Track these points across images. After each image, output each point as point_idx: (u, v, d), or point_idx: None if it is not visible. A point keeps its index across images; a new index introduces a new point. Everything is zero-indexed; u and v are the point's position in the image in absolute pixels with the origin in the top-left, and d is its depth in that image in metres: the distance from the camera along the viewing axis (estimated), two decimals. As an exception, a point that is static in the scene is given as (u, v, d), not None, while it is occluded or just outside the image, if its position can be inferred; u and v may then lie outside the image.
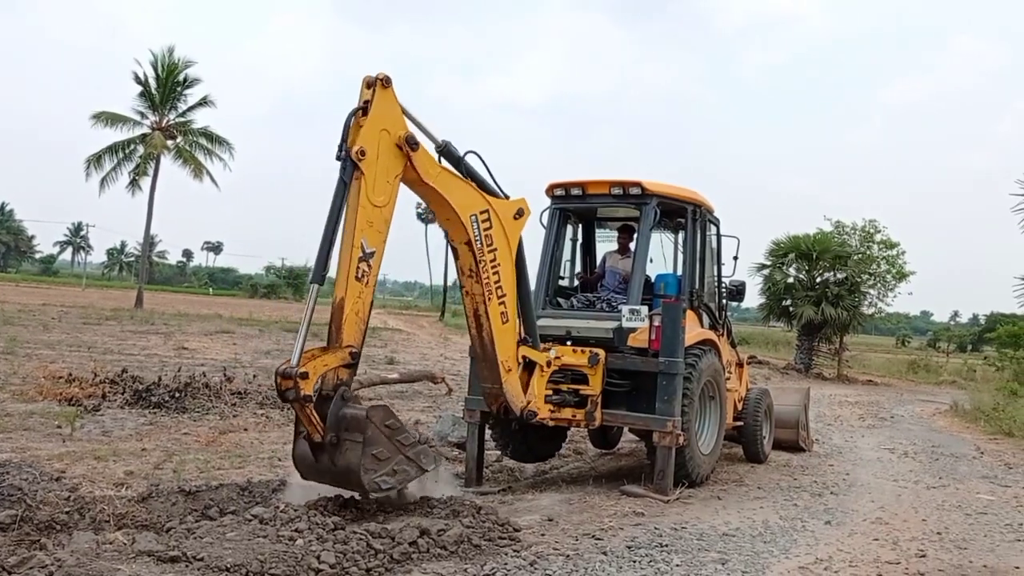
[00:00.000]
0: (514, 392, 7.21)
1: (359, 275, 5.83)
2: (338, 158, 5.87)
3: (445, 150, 6.52)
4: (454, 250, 6.86)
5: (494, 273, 6.85)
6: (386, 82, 6.02)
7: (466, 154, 6.67)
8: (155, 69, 41.94)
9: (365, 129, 5.90)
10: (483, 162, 6.78)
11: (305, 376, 5.52)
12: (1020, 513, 7.99)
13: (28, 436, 8.54)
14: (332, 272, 5.87)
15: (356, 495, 5.99)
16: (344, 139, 5.89)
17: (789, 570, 5.59)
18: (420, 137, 6.22)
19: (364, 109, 5.95)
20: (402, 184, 6.21)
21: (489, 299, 6.85)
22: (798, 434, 11.42)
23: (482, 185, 6.77)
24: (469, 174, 6.69)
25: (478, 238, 6.70)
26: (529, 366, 7.37)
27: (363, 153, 5.83)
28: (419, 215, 61.93)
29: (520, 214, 7.05)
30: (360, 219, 5.82)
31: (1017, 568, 5.95)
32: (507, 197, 6.97)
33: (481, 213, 6.70)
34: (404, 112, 6.16)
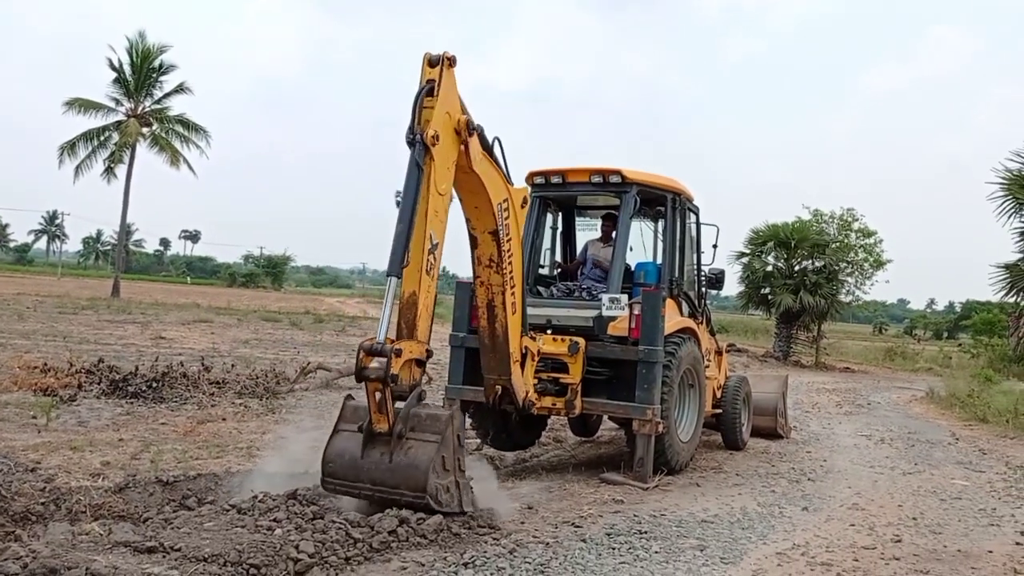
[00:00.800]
0: (519, 383, 7.21)
1: (428, 268, 5.65)
2: (409, 143, 5.62)
3: (481, 134, 6.32)
4: (474, 240, 6.70)
5: (509, 263, 6.79)
6: (452, 62, 5.85)
7: (494, 141, 6.55)
8: (129, 55, 41.54)
9: (436, 111, 5.69)
10: (502, 149, 6.66)
11: (399, 354, 5.35)
12: (994, 498, 8.10)
13: (3, 427, 8.43)
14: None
15: (401, 503, 5.44)
16: (414, 121, 5.66)
17: (767, 555, 5.63)
18: None
19: (430, 90, 5.74)
20: None
21: (506, 290, 6.78)
22: (776, 421, 11.50)
23: (502, 173, 6.70)
24: (495, 160, 6.59)
25: (502, 227, 6.61)
26: (522, 355, 7.35)
27: (437, 138, 5.66)
28: (399, 204, 61.85)
29: (525, 202, 7.04)
30: (430, 209, 5.63)
31: (990, 552, 6.03)
32: (514, 184, 6.93)
33: (504, 202, 6.65)
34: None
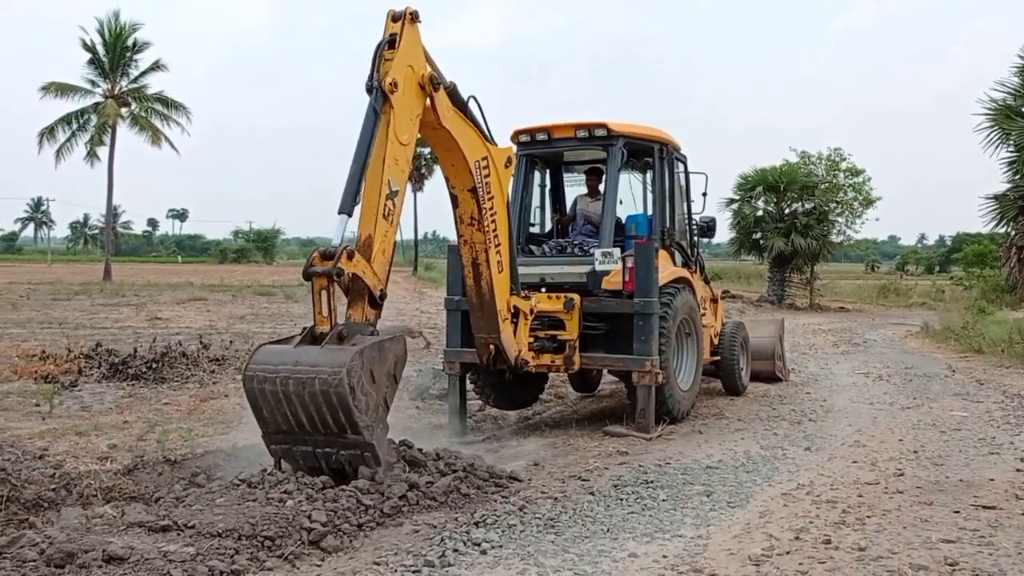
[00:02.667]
0: (509, 341, 7.25)
1: (386, 213, 5.63)
2: (368, 89, 5.68)
3: (452, 92, 6.33)
4: (454, 198, 6.77)
5: (492, 222, 6.81)
6: (415, 17, 5.92)
7: (469, 99, 6.55)
8: (102, 35, 40.93)
9: (395, 62, 5.74)
10: (480, 108, 6.68)
11: (351, 256, 5.29)
12: (992, 427, 8.21)
13: (6, 416, 8.46)
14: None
15: (314, 386, 5.05)
16: (373, 70, 5.71)
17: (772, 497, 5.71)
18: None
19: (392, 42, 5.79)
20: None
21: (489, 247, 6.82)
22: (774, 364, 11.60)
23: (480, 131, 6.68)
24: (471, 118, 6.59)
25: (480, 184, 6.63)
26: (513, 314, 7.38)
27: (395, 85, 5.68)
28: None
29: (509, 162, 7.04)
30: (388, 155, 5.64)
31: (991, 480, 6.13)
32: (495, 142, 6.91)
33: (482, 160, 6.66)
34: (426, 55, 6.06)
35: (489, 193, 6.75)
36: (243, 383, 5.45)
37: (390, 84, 5.65)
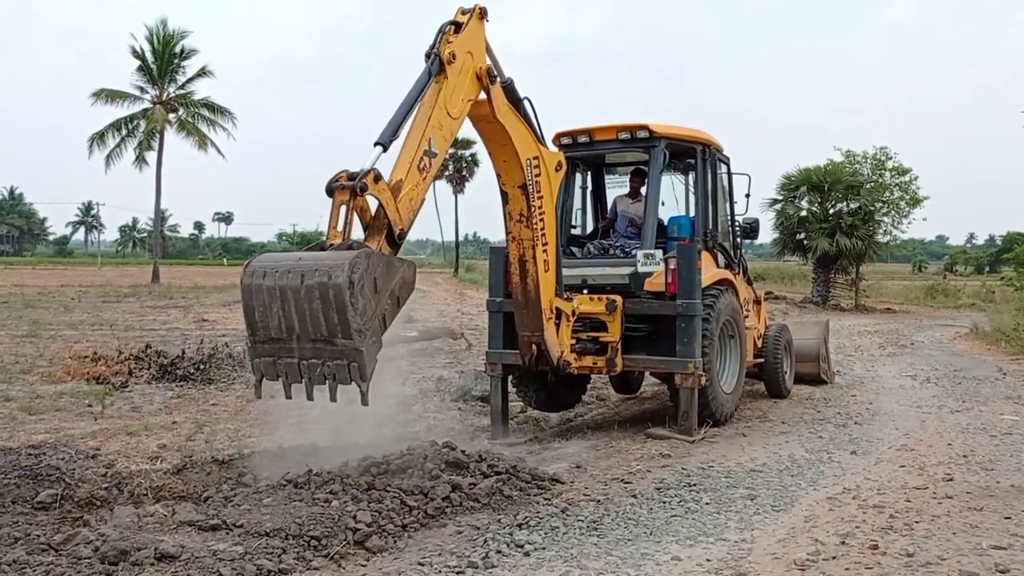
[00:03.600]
0: (553, 341, 7.28)
1: (421, 166, 5.65)
2: (427, 56, 5.87)
3: (509, 88, 6.49)
4: (504, 195, 6.87)
5: (540, 220, 6.90)
6: (483, 13, 6.18)
7: (524, 99, 6.68)
8: (151, 43, 41.76)
9: (456, 43, 5.95)
10: (534, 110, 6.80)
11: (377, 178, 5.23)
12: (1045, 431, 8.02)
13: (61, 416, 8.68)
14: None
15: (313, 288, 4.85)
16: (435, 42, 5.90)
17: (818, 501, 5.66)
18: None
19: (457, 27, 6.01)
20: (470, 119, 6.30)
21: (536, 245, 6.90)
22: (819, 367, 11.46)
23: (533, 131, 6.81)
24: (525, 117, 6.72)
25: (531, 182, 6.74)
26: (556, 315, 7.39)
27: (454, 57, 5.88)
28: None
29: (560, 166, 7.14)
30: (434, 117, 5.76)
31: (1044, 486, 6.00)
32: (546, 145, 7.03)
33: (534, 159, 6.77)
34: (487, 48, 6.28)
35: (539, 192, 6.83)
36: (241, 280, 5.18)
37: (449, 54, 5.84)
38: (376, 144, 5.46)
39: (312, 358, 5.03)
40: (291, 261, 5.05)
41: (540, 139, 6.88)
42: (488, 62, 6.25)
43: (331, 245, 5.13)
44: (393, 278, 5.17)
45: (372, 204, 5.42)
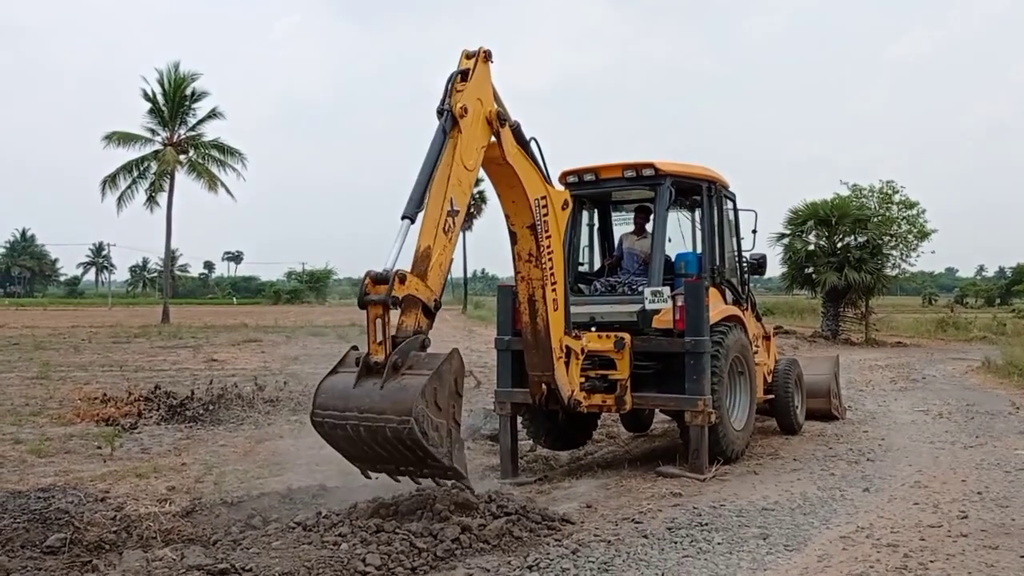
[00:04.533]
0: (563, 381, 7.27)
1: (446, 228, 5.76)
2: (439, 113, 5.93)
3: (516, 130, 6.57)
4: (513, 235, 6.91)
5: (549, 260, 6.93)
6: (488, 56, 6.22)
7: (531, 140, 6.76)
8: (162, 85, 42.30)
9: (465, 93, 6.01)
10: (540, 150, 6.88)
11: (403, 280, 5.33)
12: (1060, 467, 7.93)
13: (70, 459, 8.68)
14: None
15: (386, 432, 5.17)
16: (446, 96, 5.98)
17: (831, 540, 5.60)
18: None
19: (464, 75, 6.06)
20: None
21: (546, 284, 6.93)
22: (830, 402, 11.39)
23: (540, 171, 6.87)
24: (532, 158, 6.78)
25: (539, 222, 6.78)
26: (565, 354, 7.38)
27: (466, 111, 5.94)
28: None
29: (566, 205, 7.18)
30: (453, 175, 5.83)
31: (1060, 523, 5.93)
32: (554, 186, 7.09)
33: (542, 199, 6.82)
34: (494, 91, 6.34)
35: (547, 232, 6.87)
36: (313, 426, 5.55)
37: (460, 109, 5.90)
38: (403, 218, 5.56)
39: (409, 466, 5.52)
40: (355, 412, 5.27)
41: (547, 179, 6.94)
42: (496, 106, 6.32)
43: (376, 364, 5.31)
44: (447, 384, 5.41)
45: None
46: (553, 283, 7.00)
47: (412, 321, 5.53)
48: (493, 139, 6.30)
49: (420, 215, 5.67)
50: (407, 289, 5.39)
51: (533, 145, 6.79)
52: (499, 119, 6.26)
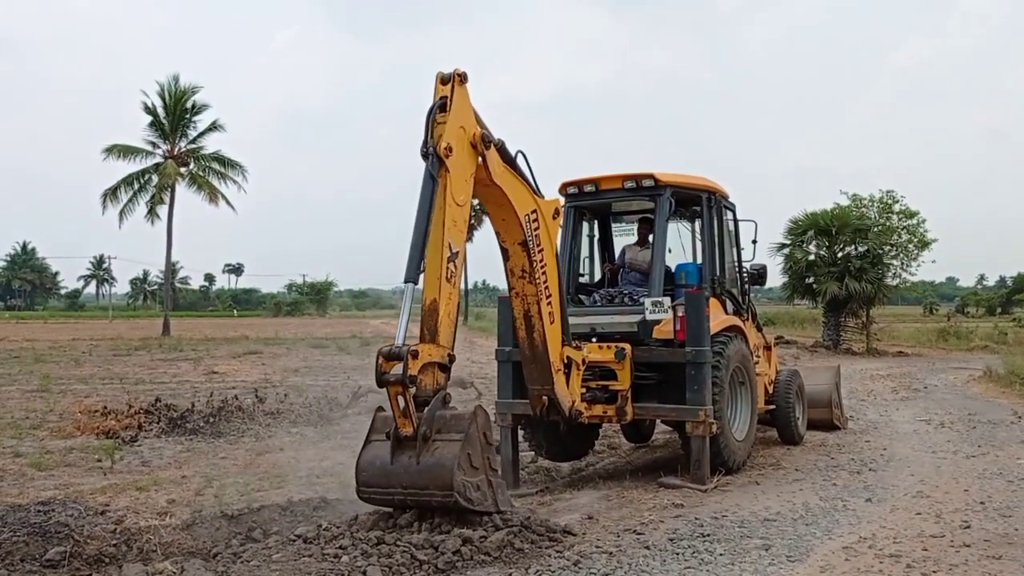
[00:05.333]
0: (563, 393, 7.24)
1: (448, 276, 5.75)
2: (424, 155, 5.80)
3: (501, 148, 6.46)
4: (504, 251, 6.85)
5: (543, 274, 6.87)
6: (464, 78, 6.04)
7: (517, 154, 6.66)
8: (163, 98, 42.40)
9: (448, 125, 5.86)
10: (527, 162, 6.79)
11: (416, 355, 5.40)
12: (1063, 476, 7.91)
13: (70, 472, 8.66)
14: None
15: (432, 504, 5.53)
16: (427, 135, 5.83)
17: (833, 551, 5.58)
18: None
19: (443, 105, 5.91)
20: None
21: (540, 299, 6.87)
22: (831, 412, 11.37)
23: (528, 185, 6.78)
24: (519, 173, 6.69)
25: (531, 238, 6.71)
26: (566, 365, 7.35)
27: (450, 149, 5.81)
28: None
29: (557, 214, 7.12)
30: (447, 218, 5.77)
31: (1064, 532, 5.91)
32: (543, 195, 7.00)
33: (532, 213, 6.74)
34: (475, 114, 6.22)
35: (539, 246, 6.81)
36: (357, 495, 5.74)
37: (445, 148, 5.76)
38: (406, 282, 5.60)
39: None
40: (400, 489, 5.52)
41: (535, 190, 6.85)
42: (480, 128, 6.17)
43: (406, 437, 5.47)
44: (478, 443, 5.59)
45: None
46: (548, 296, 6.95)
47: (431, 381, 5.62)
48: (480, 160, 6.18)
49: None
50: (421, 362, 5.48)
51: (520, 159, 6.68)
52: (483, 141, 6.12)
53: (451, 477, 5.31)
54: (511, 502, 5.88)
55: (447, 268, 5.75)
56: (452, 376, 5.73)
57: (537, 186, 6.91)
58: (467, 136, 6.04)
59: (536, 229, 6.78)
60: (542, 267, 6.86)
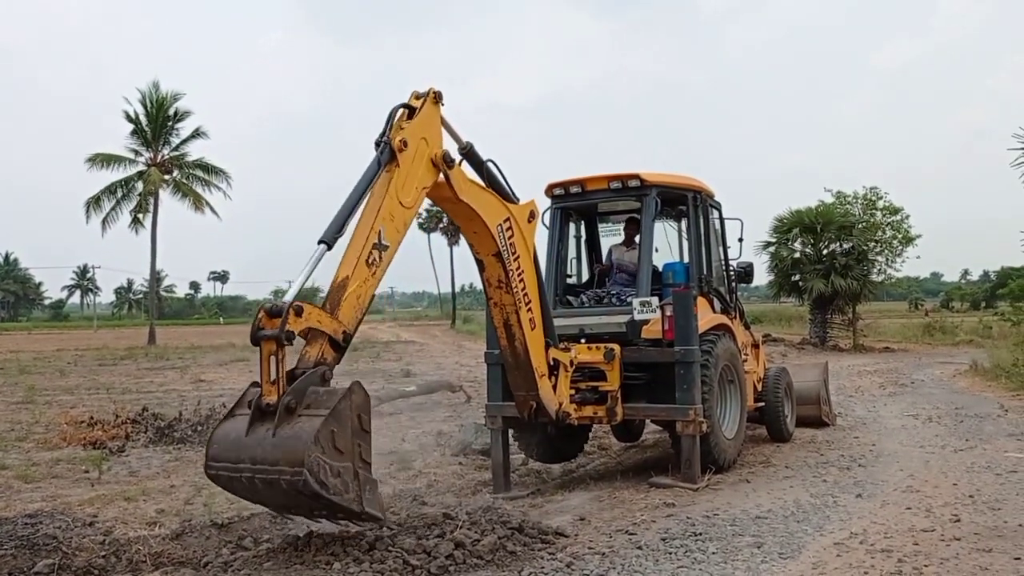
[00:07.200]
0: (548, 397, 7.19)
1: (370, 260, 5.38)
2: (377, 144, 5.65)
3: (468, 152, 6.34)
4: (480, 263, 6.68)
5: (520, 281, 6.72)
6: (438, 97, 5.96)
7: (488, 160, 6.53)
8: (144, 106, 42.22)
9: (408, 130, 5.74)
10: (499, 169, 6.63)
11: (299, 312, 4.85)
12: (1050, 468, 7.96)
13: (57, 484, 8.59)
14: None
15: (280, 484, 4.70)
16: (386, 128, 5.71)
17: (825, 547, 5.59)
18: (452, 149, 6.09)
19: (411, 112, 5.83)
20: (431, 199, 6.14)
21: (519, 308, 6.73)
22: (820, 409, 11.41)
23: (499, 191, 6.62)
24: (489, 179, 6.55)
25: (504, 247, 6.53)
26: (553, 367, 7.30)
27: (405, 144, 5.64)
28: (420, 225, 62.23)
29: (532, 216, 6.96)
30: (384, 208, 5.53)
31: (1053, 524, 5.94)
32: (518, 199, 6.85)
33: (504, 222, 6.56)
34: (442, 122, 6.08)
35: (515, 253, 6.65)
36: (209, 479, 5.19)
37: (400, 142, 5.61)
38: (319, 242, 5.22)
39: (322, 511, 5.04)
40: (248, 464, 4.78)
41: (508, 196, 6.68)
42: (444, 148, 6.02)
43: (269, 406, 4.83)
44: (348, 424, 4.86)
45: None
46: (528, 303, 6.83)
47: (316, 352, 5.06)
48: (442, 178, 5.99)
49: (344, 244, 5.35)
50: (305, 323, 4.94)
51: (490, 166, 6.52)
52: (446, 161, 5.94)
53: (303, 451, 4.57)
54: (381, 506, 5.12)
55: (370, 252, 5.38)
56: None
57: (511, 191, 6.74)
58: (428, 150, 5.86)
59: (510, 238, 6.60)
60: (519, 275, 6.72)
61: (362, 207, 5.48)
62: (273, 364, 4.83)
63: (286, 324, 4.77)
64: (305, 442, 4.60)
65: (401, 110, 5.83)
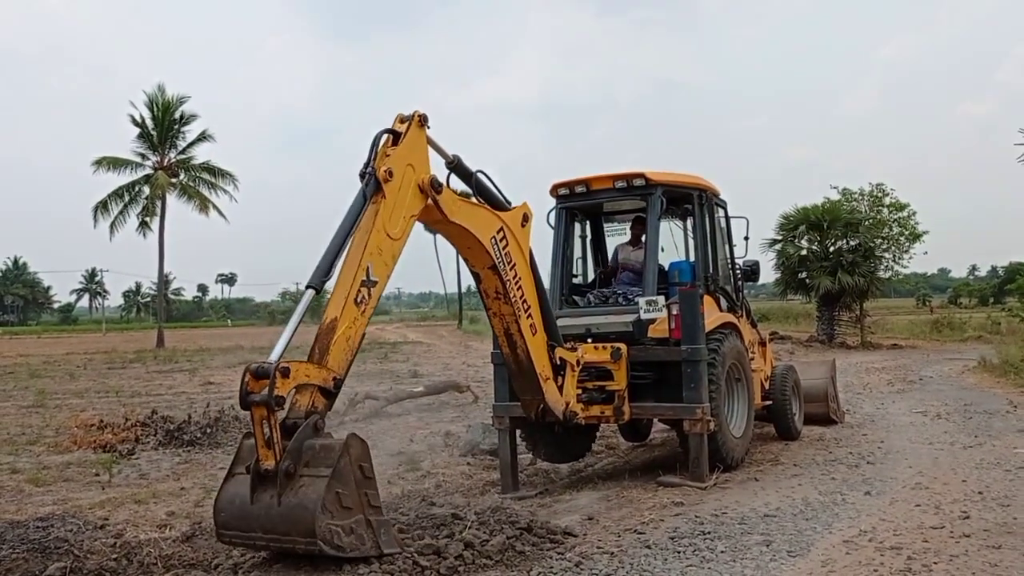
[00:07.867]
0: (555, 398, 7.19)
1: (359, 299, 5.27)
2: (362, 175, 5.50)
3: (456, 166, 6.26)
4: (476, 276, 6.63)
5: (518, 289, 6.68)
6: (423, 121, 5.81)
7: (477, 172, 6.46)
8: (150, 109, 42.33)
9: (394, 157, 5.60)
10: (489, 179, 6.56)
11: (286, 373, 4.75)
12: (1060, 464, 7.94)
13: (68, 487, 8.64)
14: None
15: (296, 551, 4.76)
16: (371, 158, 5.58)
17: (834, 545, 5.59)
18: (439, 171, 5.96)
19: (395, 138, 5.69)
20: (421, 223, 5.99)
21: (519, 316, 6.70)
22: (828, 407, 11.40)
23: (490, 200, 6.56)
24: (479, 190, 6.49)
25: (500, 259, 6.46)
26: (559, 367, 7.29)
27: (391, 174, 5.51)
28: (426, 225, 62.29)
29: (525, 220, 6.87)
30: (372, 243, 5.40)
31: (1062, 520, 5.93)
32: (510, 203, 6.79)
33: (498, 233, 6.49)
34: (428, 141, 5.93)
35: (511, 263, 6.59)
36: (216, 537, 5.16)
37: (385, 172, 5.47)
38: (307, 287, 5.18)
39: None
40: (260, 533, 4.76)
41: (499, 204, 6.61)
42: (432, 173, 5.87)
43: (267, 471, 4.73)
44: (351, 479, 4.84)
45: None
46: (527, 309, 6.80)
47: (306, 400, 4.99)
48: (431, 202, 5.85)
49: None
50: (293, 383, 4.85)
51: (480, 177, 6.45)
52: (434, 186, 5.78)
53: (312, 522, 4.57)
54: (398, 541, 5.10)
55: (359, 291, 5.27)
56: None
57: (502, 197, 6.68)
58: (415, 176, 5.72)
59: (504, 247, 6.53)
60: (516, 283, 6.67)
61: (349, 244, 5.34)
62: (266, 428, 4.74)
63: (274, 389, 4.67)
64: (312, 512, 4.59)
65: (385, 136, 5.69)
